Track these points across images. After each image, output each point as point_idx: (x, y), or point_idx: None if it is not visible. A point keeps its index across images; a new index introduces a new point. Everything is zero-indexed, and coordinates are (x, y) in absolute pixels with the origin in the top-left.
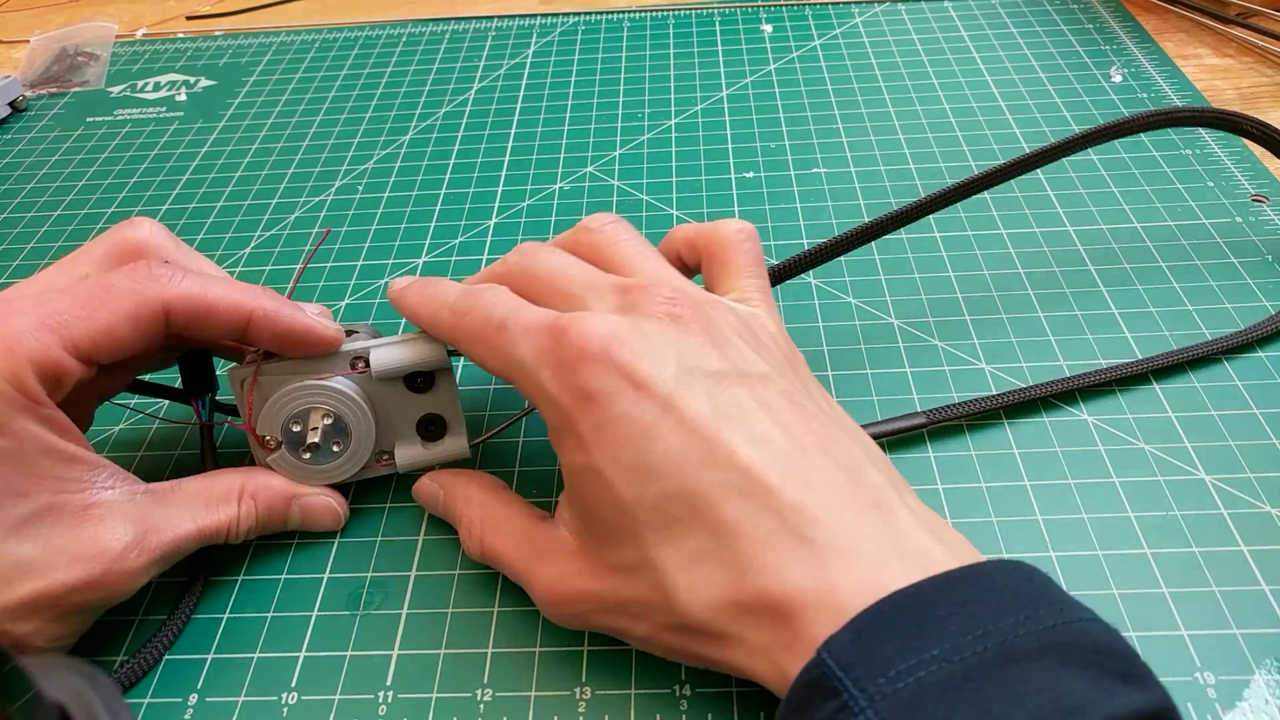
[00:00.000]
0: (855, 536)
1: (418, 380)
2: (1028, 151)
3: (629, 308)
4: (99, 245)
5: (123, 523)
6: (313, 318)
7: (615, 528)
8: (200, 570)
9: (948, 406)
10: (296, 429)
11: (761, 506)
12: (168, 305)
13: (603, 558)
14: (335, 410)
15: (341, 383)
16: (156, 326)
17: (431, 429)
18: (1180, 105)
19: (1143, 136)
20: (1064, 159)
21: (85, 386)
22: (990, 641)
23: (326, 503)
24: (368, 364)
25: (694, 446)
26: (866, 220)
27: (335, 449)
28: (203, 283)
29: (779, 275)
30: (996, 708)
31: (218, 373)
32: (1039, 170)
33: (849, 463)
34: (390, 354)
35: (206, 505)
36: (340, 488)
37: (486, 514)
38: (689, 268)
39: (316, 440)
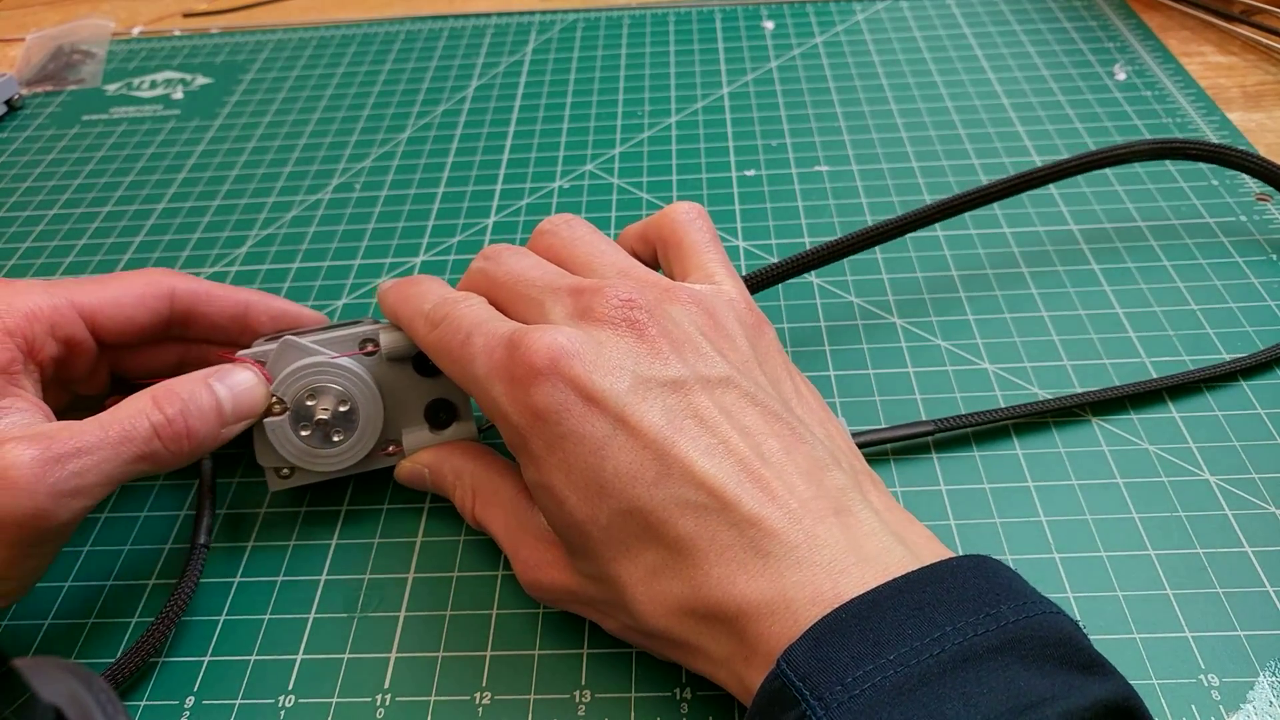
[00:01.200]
0: (813, 546)
1: (427, 363)
2: (1016, 174)
3: (583, 313)
4: None
5: (13, 431)
6: (305, 308)
7: (575, 542)
8: (190, 566)
9: (956, 417)
10: (308, 404)
11: (718, 521)
12: (173, 287)
13: (571, 561)
14: (343, 388)
15: (350, 362)
16: (161, 305)
17: (440, 415)
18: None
19: (1146, 133)
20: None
21: (80, 365)
22: (948, 643)
23: (246, 375)
24: (377, 345)
25: (647, 462)
26: (870, 222)
27: (337, 438)
28: (206, 280)
29: (779, 275)
30: (951, 709)
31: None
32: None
33: (811, 466)
34: (401, 334)
35: (113, 411)
36: (339, 485)
37: (478, 484)
38: (647, 263)
39: (326, 417)
